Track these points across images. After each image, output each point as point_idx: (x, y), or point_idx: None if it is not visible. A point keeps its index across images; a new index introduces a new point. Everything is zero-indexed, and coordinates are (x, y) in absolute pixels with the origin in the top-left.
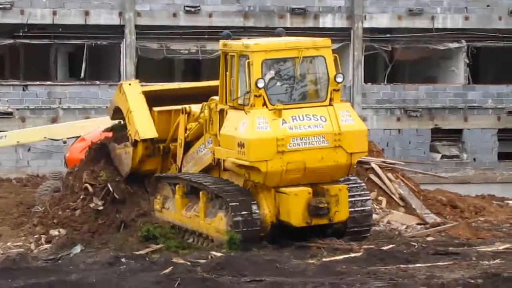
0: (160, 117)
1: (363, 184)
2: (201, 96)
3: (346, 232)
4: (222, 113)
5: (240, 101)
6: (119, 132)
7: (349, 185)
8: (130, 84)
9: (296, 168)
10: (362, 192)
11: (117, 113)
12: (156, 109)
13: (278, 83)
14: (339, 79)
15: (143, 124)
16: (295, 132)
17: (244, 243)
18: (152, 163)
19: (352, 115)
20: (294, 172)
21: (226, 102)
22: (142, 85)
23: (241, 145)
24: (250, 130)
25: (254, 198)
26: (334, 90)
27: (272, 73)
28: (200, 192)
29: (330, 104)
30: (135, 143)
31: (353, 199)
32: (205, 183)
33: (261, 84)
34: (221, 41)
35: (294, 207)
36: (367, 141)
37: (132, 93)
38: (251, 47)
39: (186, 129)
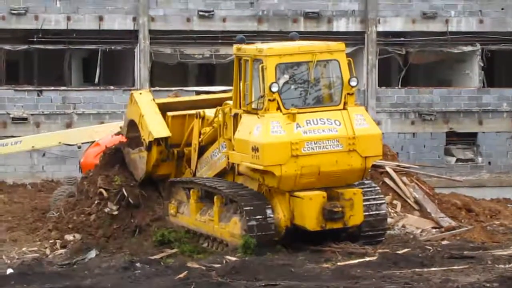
0: (174, 121)
1: (378, 188)
2: (214, 107)
3: (360, 236)
4: (236, 117)
5: (254, 106)
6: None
7: (364, 189)
8: (141, 93)
9: (311, 172)
10: (377, 196)
11: (131, 129)
12: (170, 113)
13: (292, 87)
14: (353, 83)
15: (155, 125)
16: (309, 136)
17: (259, 247)
18: (167, 167)
19: (366, 118)
20: (308, 176)
21: (240, 107)
22: (154, 98)
23: (255, 149)
24: (264, 134)
25: (268, 202)
26: (348, 94)
27: (286, 77)
28: (215, 197)
29: (344, 108)
30: (149, 147)
31: (367, 203)
32: (220, 188)
33: (275, 88)
34: (235, 46)
35: (309, 211)
36: (382, 145)
37: (144, 100)
38: (265, 51)
39: (200, 134)
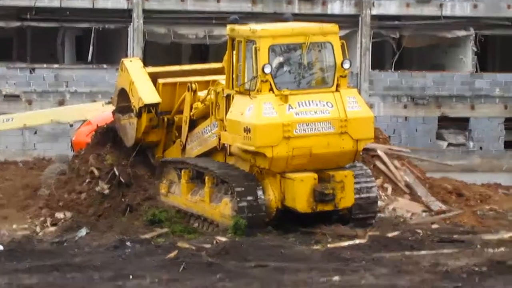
0: (165, 89)
1: (369, 170)
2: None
3: (351, 218)
4: (228, 98)
5: (246, 87)
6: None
7: (355, 172)
8: (131, 61)
9: (302, 153)
10: (368, 179)
11: (122, 98)
12: (161, 81)
13: (285, 69)
14: (346, 65)
15: (146, 91)
16: (301, 118)
17: (249, 228)
18: (156, 134)
19: (359, 101)
20: (300, 158)
21: (232, 87)
22: (145, 67)
23: (247, 130)
24: (256, 116)
25: (259, 184)
26: (341, 76)
27: (279, 58)
28: (206, 177)
29: (336, 90)
30: (139, 114)
31: (358, 185)
32: (211, 168)
33: (267, 70)
34: (229, 26)
35: (300, 192)
36: (373, 127)
37: (134, 67)
38: (258, 32)
39: (191, 107)
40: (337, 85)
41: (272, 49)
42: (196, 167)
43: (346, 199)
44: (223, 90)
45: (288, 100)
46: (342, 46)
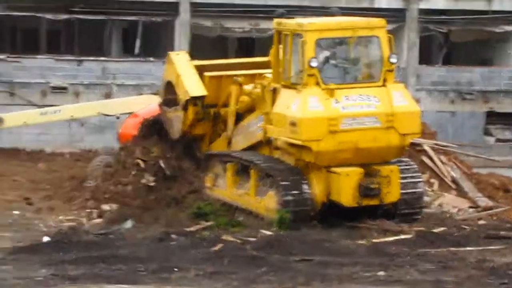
0: (211, 82)
1: (415, 166)
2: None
3: (396, 214)
4: (274, 91)
5: (293, 80)
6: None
7: (401, 167)
8: (178, 54)
9: (348, 148)
10: (414, 174)
11: (168, 91)
12: (207, 74)
13: (332, 63)
14: (393, 60)
15: (192, 84)
16: (347, 112)
17: (294, 222)
18: (202, 127)
19: (406, 96)
20: (345, 152)
21: (279, 81)
22: (192, 60)
23: (293, 124)
24: (302, 109)
25: (305, 177)
26: (387, 70)
27: (325, 52)
28: (251, 170)
29: (383, 85)
30: (185, 106)
31: (404, 180)
32: (257, 162)
33: (314, 64)
34: (275, 20)
35: (345, 187)
36: (420, 122)
37: (181, 60)
38: (305, 26)
39: (237, 101)
40: (384, 80)
41: (318, 43)
42: (241, 160)
43: (392, 194)
44: (269, 83)
45: (334, 94)
46: (389, 40)
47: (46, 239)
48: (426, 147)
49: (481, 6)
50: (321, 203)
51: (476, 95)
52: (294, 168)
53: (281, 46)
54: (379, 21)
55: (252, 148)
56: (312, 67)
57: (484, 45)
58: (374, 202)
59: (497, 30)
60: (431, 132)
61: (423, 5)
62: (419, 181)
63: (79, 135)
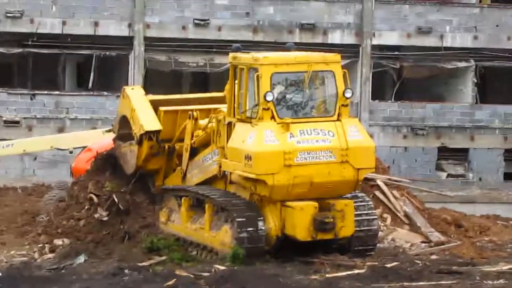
0: (166, 116)
1: (371, 203)
2: (205, 105)
3: (351, 249)
4: (230, 126)
5: (248, 114)
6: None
7: (357, 203)
8: (133, 89)
9: (303, 182)
10: (369, 211)
11: (122, 126)
12: (162, 108)
13: (287, 97)
14: (348, 95)
15: (147, 119)
16: (302, 146)
17: (249, 258)
18: (157, 162)
19: (360, 130)
20: (300, 186)
21: (234, 115)
22: (147, 95)
23: (248, 157)
24: (258, 143)
25: (260, 214)
26: (342, 105)
27: (281, 86)
28: (206, 204)
29: (338, 119)
30: (140, 141)
31: (359, 218)
32: (212, 196)
33: (269, 97)
34: (231, 54)
35: (300, 221)
36: (375, 157)
37: (136, 95)
38: (261, 60)
39: (192, 135)
40: (339, 114)
41: (274, 77)
42: (197, 194)
43: (347, 228)
44: (224, 117)
45: (289, 128)
46: (344, 75)
47: None
48: (379, 182)
49: (433, 42)
50: (275, 237)
51: (428, 131)
52: (250, 203)
53: (236, 80)
54: (334, 56)
55: (207, 182)
56: (267, 101)
57: (436, 81)
58: (328, 236)
59: (449, 66)
60: (384, 167)
61: (376, 41)
62: (374, 219)
63: (32, 169)
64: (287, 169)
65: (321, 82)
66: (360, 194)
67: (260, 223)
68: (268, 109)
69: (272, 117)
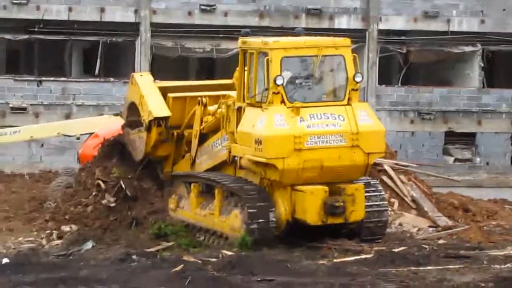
0: (175, 103)
1: (383, 192)
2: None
3: (360, 237)
4: (239, 110)
5: (258, 99)
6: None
7: (369, 192)
8: (141, 75)
9: (313, 166)
10: (381, 202)
11: (131, 112)
12: (171, 95)
13: (297, 81)
14: (358, 79)
15: (156, 105)
16: (312, 130)
17: (258, 243)
18: (166, 149)
19: (370, 115)
20: (310, 170)
21: (244, 100)
22: (155, 81)
23: (258, 142)
24: (268, 127)
25: (271, 203)
26: (352, 89)
27: (291, 71)
28: (216, 190)
29: (348, 104)
30: (149, 127)
31: (370, 209)
32: (223, 181)
33: (279, 81)
34: (240, 39)
35: (310, 205)
36: (385, 141)
37: (144, 81)
38: (271, 44)
39: (201, 121)
40: (349, 99)
41: (284, 61)
42: (207, 180)
43: (357, 213)
44: (234, 102)
45: (299, 113)
46: (354, 59)
47: (5, 260)
48: (386, 167)
49: (440, 27)
50: (286, 222)
51: (435, 115)
52: (260, 189)
53: (246, 64)
54: (344, 40)
55: (216, 168)
56: (277, 85)
57: (443, 66)
58: (339, 220)
59: (456, 50)
60: (391, 152)
61: (382, 26)
62: (385, 210)
63: (39, 155)
64: (297, 153)
65: (331, 67)
66: (373, 182)
67: (271, 214)
68: (278, 93)
69: (282, 101)
